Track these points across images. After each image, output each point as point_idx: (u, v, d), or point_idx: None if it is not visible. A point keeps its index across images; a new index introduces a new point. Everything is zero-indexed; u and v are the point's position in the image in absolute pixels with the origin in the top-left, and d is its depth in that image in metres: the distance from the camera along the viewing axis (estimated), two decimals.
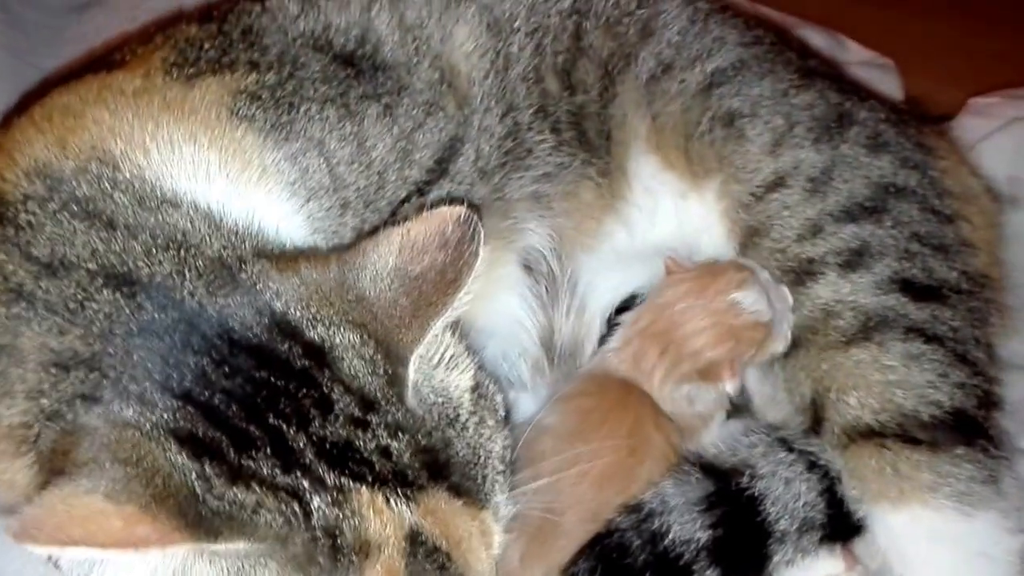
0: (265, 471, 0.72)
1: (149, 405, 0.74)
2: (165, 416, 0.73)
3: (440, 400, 0.82)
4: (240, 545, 0.69)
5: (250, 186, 0.92)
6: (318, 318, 0.78)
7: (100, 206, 0.85)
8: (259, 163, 0.94)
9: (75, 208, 0.84)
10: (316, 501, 0.72)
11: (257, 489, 0.71)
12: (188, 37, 1.09)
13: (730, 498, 1.05)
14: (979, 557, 1.00)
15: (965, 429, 1.03)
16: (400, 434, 0.77)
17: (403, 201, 1.04)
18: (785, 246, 1.14)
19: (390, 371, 0.78)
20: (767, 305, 1.11)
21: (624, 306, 1.24)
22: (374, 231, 0.91)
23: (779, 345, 1.13)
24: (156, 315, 0.78)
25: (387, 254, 0.79)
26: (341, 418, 0.75)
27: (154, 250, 0.82)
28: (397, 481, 0.75)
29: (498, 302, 1.17)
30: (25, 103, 1.11)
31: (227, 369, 0.76)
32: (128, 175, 0.87)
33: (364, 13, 1.15)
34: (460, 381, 0.83)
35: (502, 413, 0.88)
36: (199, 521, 0.68)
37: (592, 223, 1.22)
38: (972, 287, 1.13)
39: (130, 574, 0.68)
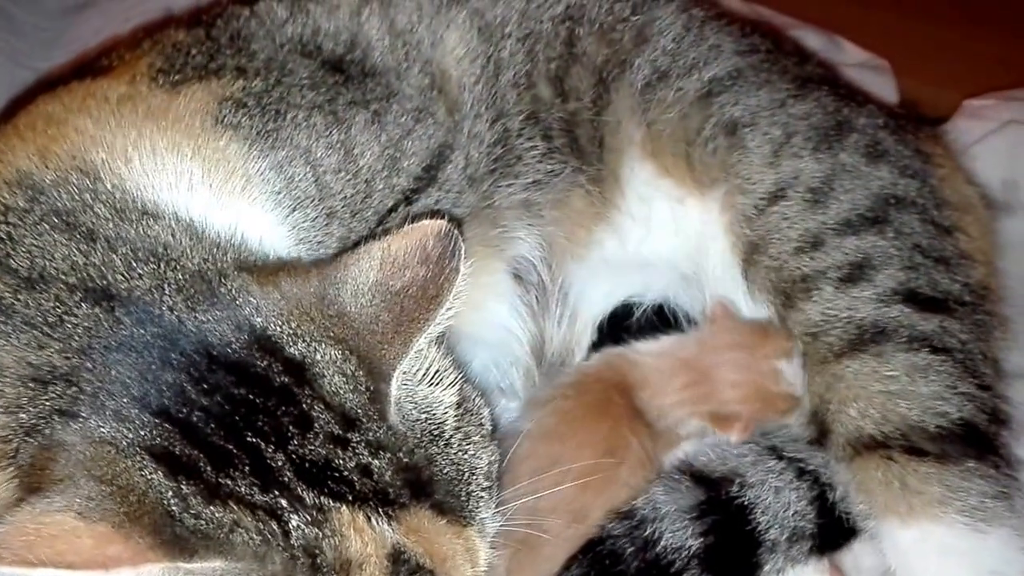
0: (243, 490, 0.71)
1: (126, 422, 0.73)
2: (142, 433, 0.72)
3: (423, 417, 0.81)
4: (216, 564, 0.68)
5: (234, 196, 0.91)
6: (299, 334, 0.77)
7: (80, 218, 0.84)
8: (243, 172, 0.93)
9: (55, 220, 0.84)
10: (295, 520, 0.71)
11: (234, 508, 0.70)
12: (176, 42, 1.08)
13: (720, 506, 1.05)
14: None
15: (975, 442, 1.01)
16: (381, 452, 0.76)
17: (390, 210, 1.03)
18: (782, 263, 1.13)
19: (372, 388, 0.77)
20: (801, 382, 1.13)
21: (616, 314, 1.24)
22: (358, 242, 0.90)
23: (792, 420, 1.16)
24: (135, 330, 0.77)
25: (368, 269, 0.77)
26: (321, 436, 0.74)
27: (133, 263, 0.81)
28: (378, 500, 0.74)
29: (488, 311, 1.17)
30: (14, 109, 1.11)
31: (206, 386, 0.75)
32: (109, 186, 0.86)
33: (354, 18, 1.14)
34: (444, 397, 0.82)
35: (488, 428, 0.87)
36: (174, 540, 0.67)
37: (583, 232, 1.21)
38: (975, 299, 1.12)
39: None
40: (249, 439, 0.73)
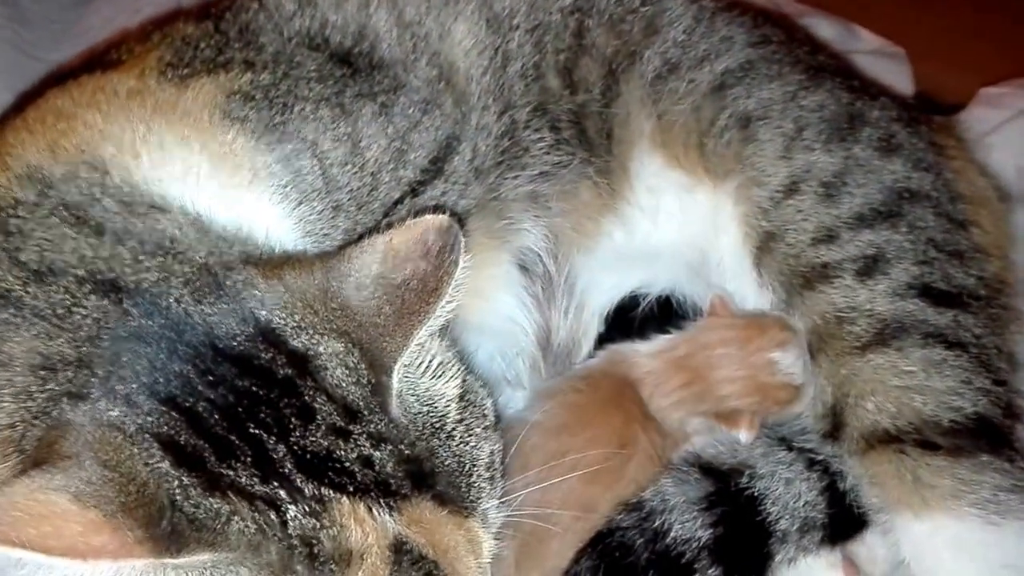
0: (243, 480, 0.72)
1: (135, 407, 0.73)
2: (150, 420, 0.73)
3: (425, 409, 0.81)
4: (204, 556, 0.68)
5: (241, 190, 0.92)
6: (302, 326, 0.78)
7: (89, 212, 0.85)
8: (251, 166, 0.93)
9: (64, 213, 0.85)
10: (293, 510, 0.72)
11: (233, 498, 0.71)
12: (184, 36, 1.09)
13: (730, 498, 1.05)
14: (1005, 569, 0.97)
15: (989, 436, 1.01)
16: (383, 444, 0.76)
17: (397, 202, 1.04)
18: (799, 251, 1.13)
19: (374, 380, 0.78)
20: (803, 369, 1.13)
21: (623, 305, 1.24)
22: (363, 235, 0.91)
23: (800, 408, 1.15)
24: (143, 322, 0.78)
25: (371, 262, 0.78)
26: (323, 428, 0.75)
27: (141, 256, 0.82)
28: (380, 491, 0.75)
29: (494, 301, 1.17)
30: (23, 102, 1.12)
31: (211, 378, 0.75)
32: (117, 180, 0.87)
33: (362, 10, 1.14)
34: (446, 389, 0.83)
35: (491, 419, 0.87)
36: (166, 534, 0.67)
37: (590, 223, 1.21)
38: (990, 293, 1.12)
39: None
40: (252, 430, 0.74)
